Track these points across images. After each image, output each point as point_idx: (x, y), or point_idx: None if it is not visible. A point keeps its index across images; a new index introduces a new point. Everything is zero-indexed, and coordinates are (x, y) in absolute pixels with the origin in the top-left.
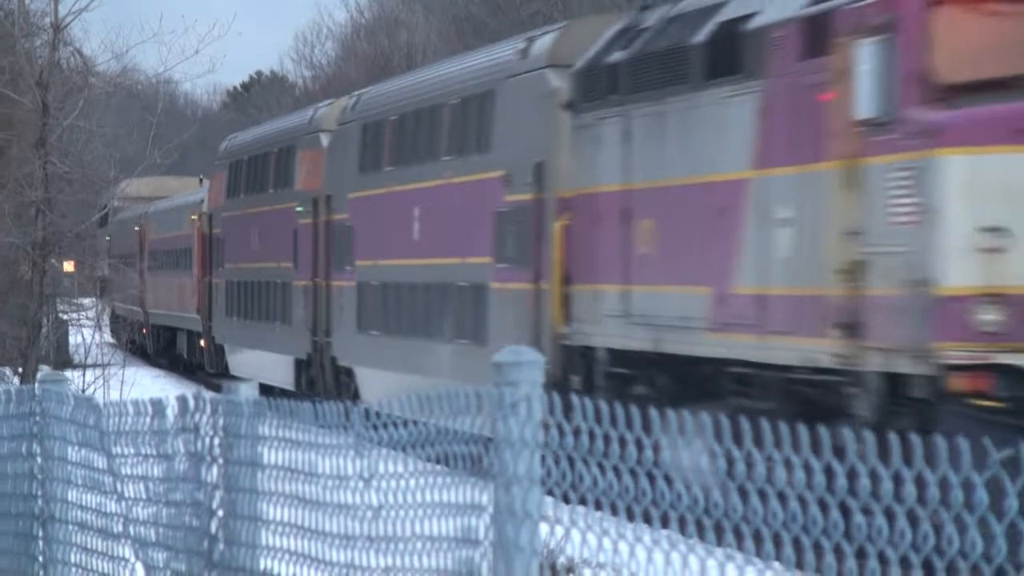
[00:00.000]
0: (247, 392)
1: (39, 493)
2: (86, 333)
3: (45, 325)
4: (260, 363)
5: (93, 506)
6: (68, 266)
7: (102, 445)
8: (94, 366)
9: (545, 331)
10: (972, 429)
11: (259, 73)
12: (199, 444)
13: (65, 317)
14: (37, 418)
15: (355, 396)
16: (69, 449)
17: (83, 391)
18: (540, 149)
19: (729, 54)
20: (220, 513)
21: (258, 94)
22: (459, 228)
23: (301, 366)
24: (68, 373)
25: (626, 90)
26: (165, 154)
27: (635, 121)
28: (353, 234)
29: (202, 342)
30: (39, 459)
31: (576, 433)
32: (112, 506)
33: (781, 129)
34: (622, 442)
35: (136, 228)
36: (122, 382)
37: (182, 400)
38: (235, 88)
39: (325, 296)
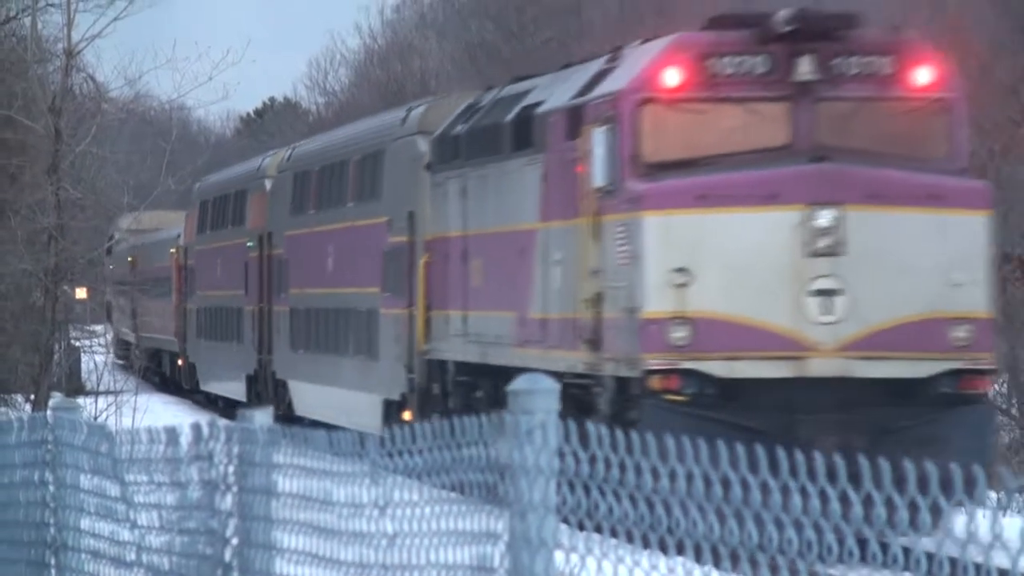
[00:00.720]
0: (262, 419)
1: (51, 521)
2: (98, 359)
3: (57, 352)
4: (221, 379)
5: (106, 534)
6: (80, 293)
7: (115, 473)
8: (106, 393)
9: (414, 348)
10: (666, 418)
11: (272, 100)
12: (213, 472)
13: (77, 344)
14: (50, 446)
15: (289, 406)
16: (82, 477)
17: (95, 418)
18: (412, 200)
19: (526, 132)
20: (234, 541)
21: (271, 121)
22: (359, 263)
23: (251, 381)
24: (80, 400)
25: (464, 156)
26: (178, 180)
27: (469, 181)
28: (287, 266)
29: (180, 361)
30: (52, 487)
31: (592, 460)
32: (125, 534)
33: (555, 192)
34: (637, 470)
35: (129, 259)
36: (134, 409)
37: (196, 428)
38: (248, 115)
39: (268, 319)
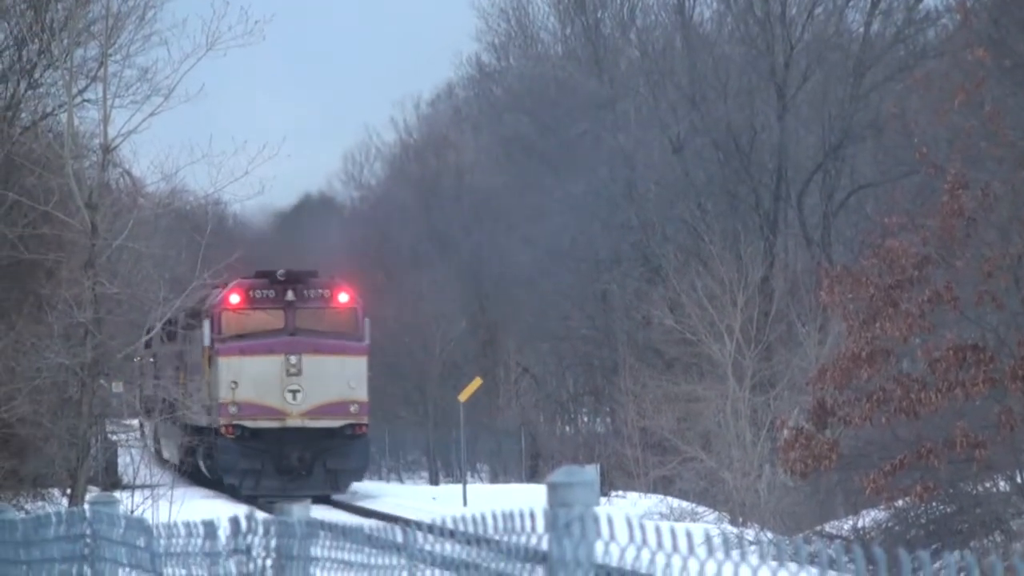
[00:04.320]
0: (300, 513)
1: None
2: (134, 453)
3: (94, 446)
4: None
5: None
6: (116, 386)
7: (153, 567)
8: (143, 486)
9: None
10: (229, 445)
11: (307, 194)
12: (251, 565)
13: (114, 438)
14: (88, 540)
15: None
16: (120, 571)
17: (132, 512)
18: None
19: (200, 315)
20: None
21: (306, 215)
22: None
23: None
24: (117, 494)
25: (181, 326)
26: (214, 275)
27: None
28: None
29: None
30: None
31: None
32: None
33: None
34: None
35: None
36: (171, 503)
37: (234, 521)
38: (284, 209)
39: None
